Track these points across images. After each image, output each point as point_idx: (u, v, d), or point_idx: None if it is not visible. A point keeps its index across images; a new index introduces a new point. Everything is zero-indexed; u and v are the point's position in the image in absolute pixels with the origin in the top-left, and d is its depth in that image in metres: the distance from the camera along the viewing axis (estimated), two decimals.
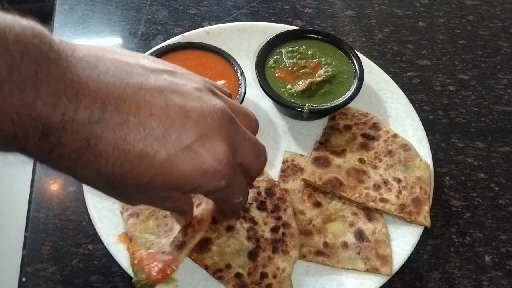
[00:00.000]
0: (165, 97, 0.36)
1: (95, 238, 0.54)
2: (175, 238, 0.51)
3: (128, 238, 0.53)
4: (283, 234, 0.54)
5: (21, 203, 0.63)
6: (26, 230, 0.56)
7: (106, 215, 0.55)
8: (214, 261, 0.53)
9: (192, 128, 0.36)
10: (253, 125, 0.43)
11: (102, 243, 0.53)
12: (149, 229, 0.53)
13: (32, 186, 0.59)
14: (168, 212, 0.52)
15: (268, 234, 0.55)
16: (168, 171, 0.35)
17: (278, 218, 0.56)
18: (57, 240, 0.55)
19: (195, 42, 0.67)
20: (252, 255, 0.53)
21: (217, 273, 0.52)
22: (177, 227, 0.52)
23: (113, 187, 0.36)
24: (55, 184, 0.60)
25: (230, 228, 0.55)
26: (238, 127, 0.40)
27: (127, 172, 0.34)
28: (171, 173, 0.35)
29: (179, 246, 0.50)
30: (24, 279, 0.53)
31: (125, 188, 0.36)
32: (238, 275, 0.52)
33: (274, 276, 0.52)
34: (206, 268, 0.52)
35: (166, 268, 0.49)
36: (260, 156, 0.44)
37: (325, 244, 0.55)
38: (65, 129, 0.31)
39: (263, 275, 0.52)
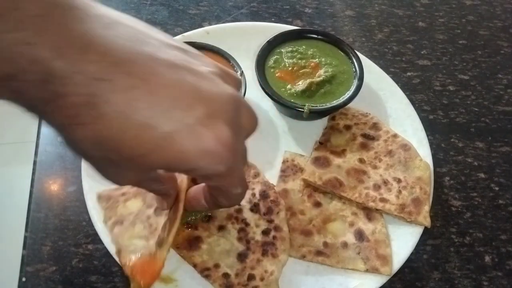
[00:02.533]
0: (178, 72, 0.35)
1: (95, 238, 0.54)
2: (159, 236, 0.49)
3: (117, 250, 0.50)
4: (274, 237, 0.54)
5: (21, 203, 0.63)
6: (26, 230, 0.56)
7: None
8: (202, 260, 0.52)
9: (200, 108, 0.35)
10: (254, 122, 0.42)
11: (102, 243, 0.53)
12: (136, 234, 0.50)
13: (32, 186, 0.59)
14: (151, 212, 0.51)
15: (259, 237, 0.54)
16: (168, 146, 0.34)
17: (270, 221, 0.55)
18: (57, 240, 0.55)
19: (195, 42, 0.67)
20: (241, 256, 0.53)
21: (204, 271, 0.52)
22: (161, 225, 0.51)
23: (106, 157, 0.34)
24: (55, 184, 0.60)
25: (221, 228, 0.55)
26: (241, 119, 0.39)
27: (126, 140, 0.33)
28: (170, 148, 0.34)
29: (160, 243, 0.49)
30: (24, 279, 0.53)
31: (119, 159, 0.34)
32: (225, 275, 0.52)
33: (262, 279, 0.52)
34: (194, 266, 0.52)
35: (149, 269, 0.47)
36: (245, 156, 0.43)
37: (325, 244, 0.55)
38: (70, 78, 0.29)
39: (251, 277, 0.52)
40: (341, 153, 0.62)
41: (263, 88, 0.64)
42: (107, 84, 0.31)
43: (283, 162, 0.62)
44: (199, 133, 0.34)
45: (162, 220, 0.50)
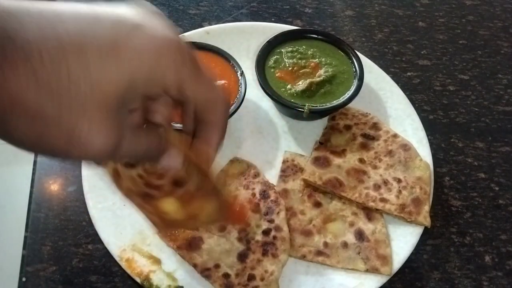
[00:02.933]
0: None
1: (95, 238, 0.54)
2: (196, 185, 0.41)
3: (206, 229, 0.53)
4: (274, 237, 0.54)
5: (21, 203, 0.63)
6: (26, 230, 0.56)
7: (106, 215, 0.55)
8: (203, 260, 0.53)
9: (133, 17, 0.32)
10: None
11: (102, 243, 0.53)
12: (208, 207, 0.43)
13: (32, 186, 0.59)
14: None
15: (259, 237, 0.54)
16: (122, 53, 0.31)
17: (271, 221, 0.56)
18: (57, 240, 0.55)
19: (195, 42, 0.67)
20: (242, 256, 0.53)
21: (205, 271, 0.52)
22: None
23: (62, 103, 0.29)
24: (55, 184, 0.60)
25: (222, 228, 0.55)
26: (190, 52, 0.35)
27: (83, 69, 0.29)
28: (123, 55, 0.31)
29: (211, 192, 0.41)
30: (24, 279, 0.53)
31: (80, 103, 0.30)
32: (225, 275, 0.52)
33: (262, 279, 0.52)
34: (195, 266, 0.52)
35: (233, 213, 0.46)
36: (215, 87, 0.38)
37: (325, 244, 0.55)
38: None
39: (251, 277, 0.52)
40: (341, 153, 0.62)
41: (263, 88, 0.64)
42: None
43: (283, 162, 0.62)
44: (140, 34, 0.32)
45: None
